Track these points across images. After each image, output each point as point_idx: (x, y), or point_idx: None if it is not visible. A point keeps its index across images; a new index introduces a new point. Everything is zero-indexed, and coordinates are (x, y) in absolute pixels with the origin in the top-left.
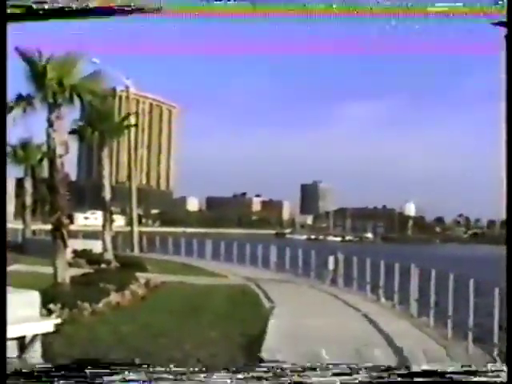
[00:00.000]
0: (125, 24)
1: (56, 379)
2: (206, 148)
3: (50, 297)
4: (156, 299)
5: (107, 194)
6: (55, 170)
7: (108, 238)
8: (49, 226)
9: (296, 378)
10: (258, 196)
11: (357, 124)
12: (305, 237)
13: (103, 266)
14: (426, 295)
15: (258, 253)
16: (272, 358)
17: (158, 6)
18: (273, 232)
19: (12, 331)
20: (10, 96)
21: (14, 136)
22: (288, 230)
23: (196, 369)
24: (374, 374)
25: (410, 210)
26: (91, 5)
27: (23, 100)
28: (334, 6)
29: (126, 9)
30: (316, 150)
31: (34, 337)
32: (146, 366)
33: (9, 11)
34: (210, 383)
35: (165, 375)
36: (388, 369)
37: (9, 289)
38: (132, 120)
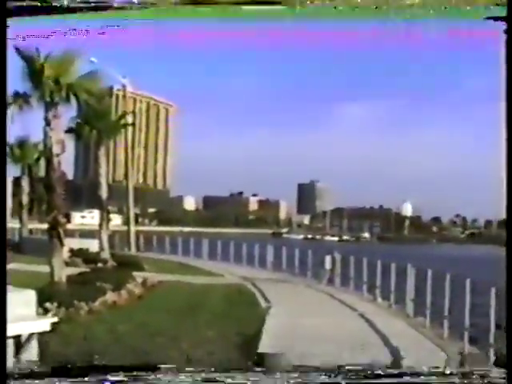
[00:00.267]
0: (122, 22)
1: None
2: (203, 147)
3: (47, 296)
4: (153, 298)
5: (104, 193)
6: (52, 168)
7: (105, 237)
8: (45, 225)
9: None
10: (254, 195)
11: (354, 124)
12: (302, 236)
13: (100, 265)
14: (422, 295)
15: (255, 252)
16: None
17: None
18: (270, 231)
19: (8, 330)
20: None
21: (10, 134)
22: (285, 230)
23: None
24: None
25: (407, 209)
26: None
27: (20, 98)
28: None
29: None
30: (313, 149)
31: (31, 336)
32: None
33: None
34: None
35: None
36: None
37: None
38: (129, 119)
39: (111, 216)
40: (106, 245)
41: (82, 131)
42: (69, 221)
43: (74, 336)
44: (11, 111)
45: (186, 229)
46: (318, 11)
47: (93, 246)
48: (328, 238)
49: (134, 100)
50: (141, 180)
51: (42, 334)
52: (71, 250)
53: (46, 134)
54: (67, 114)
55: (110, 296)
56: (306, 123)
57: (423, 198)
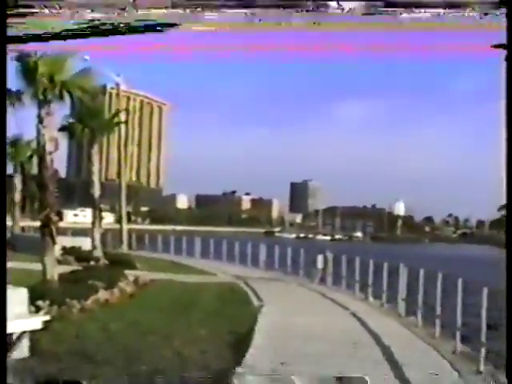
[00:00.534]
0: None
1: None
2: (196, 146)
3: (39, 294)
4: (145, 297)
5: (96, 191)
6: (45, 166)
7: (97, 236)
8: (38, 223)
9: None
10: (247, 194)
11: (347, 123)
12: (294, 235)
13: (92, 263)
14: (414, 294)
15: (248, 251)
16: (260, 357)
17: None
18: (262, 230)
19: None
20: None
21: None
22: (277, 229)
23: None
24: None
25: (400, 209)
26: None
27: (13, 95)
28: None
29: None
30: (306, 148)
31: (22, 333)
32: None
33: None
34: None
35: None
36: None
37: None
38: (122, 117)
39: (104, 214)
40: (98, 243)
41: (75, 129)
42: (61, 219)
43: (65, 334)
44: None
45: (179, 227)
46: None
47: (85, 244)
48: (320, 237)
49: (128, 98)
50: (134, 178)
51: (33, 332)
52: (63, 248)
53: (38, 132)
54: (60, 111)
55: (103, 294)
56: (298, 122)
57: (416, 198)
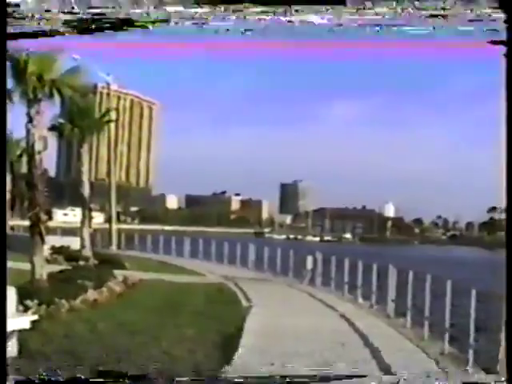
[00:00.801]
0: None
1: None
2: (186, 146)
3: (27, 293)
4: (133, 297)
5: (86, 191)
6: (34, 165)
7: (86, 235)
8: (27, 222)
9: None
10: (237, 195)
11: (337, 124)
12: (284, 236)
13: (81, 262)
14: (403, 296)
15: (237, 252)
16: (249, 357)
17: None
18: (252, 231)
19: None
20: None
21: None
22: (267, 230)
23: None
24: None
25: (389, 210)
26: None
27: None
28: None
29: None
30: (296, 149)
31: (10, 333)
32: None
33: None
34: None
35: None
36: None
37: None
38: (112, 116)
39: (93, 214)
40: (87, 243)
41: (64, 128)
42: (51, 218)
43: (54, 334)
44: None
45: (168, 227)
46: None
47: (74, 243)
48: (310, 238)
49: (118, 98)
50: (123, 178)
51: (21, 332)
52: (53, 248)
53: (28, 131)
54: (50, 110)
55: (91, 294)
56: (289, 123)
57: (405, 200)
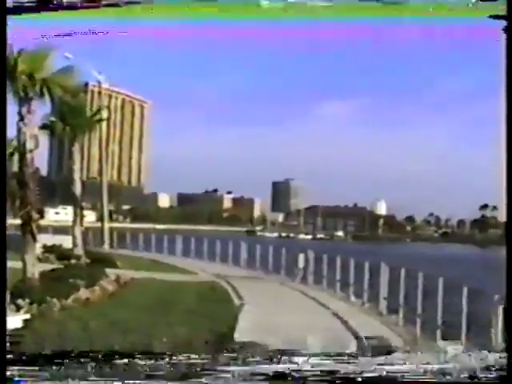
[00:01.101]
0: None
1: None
2: (178, 144)
3: (19, 292)
4: (125, 295)
5: (78, 190)
6: (25, 164)
7: (78, 234)
8: (18, 221)
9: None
10: (229, 193)
11: (329, 123)
12: (276, 234)
13: (73, 261)
14: (395, 293)
15: (229, 250)
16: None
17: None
18: (244, 229)
19: None
20: None
21: None
22: (259, 228)
23: None
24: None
25: (381, 208)
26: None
27: None
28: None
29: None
30: (288, 148)
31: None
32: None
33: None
34: None
35: None
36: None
37: None
38: (103, 115)
39: (85, 212)
40: (79, 241)
41: (56, 127)
42: (42, 217)
43: (45, 333)
44: None
45: (160, 226)
46: (295, 8)
47: (66, 242)
48: (302, 236)
49: (109, 96)
50: (115, 177)
51: (13, 331)
52: (44, 246)
53: (19, 130)
54: (41, 109)
55: (83, 293)
56: (281, 122)
57: (397, 197)
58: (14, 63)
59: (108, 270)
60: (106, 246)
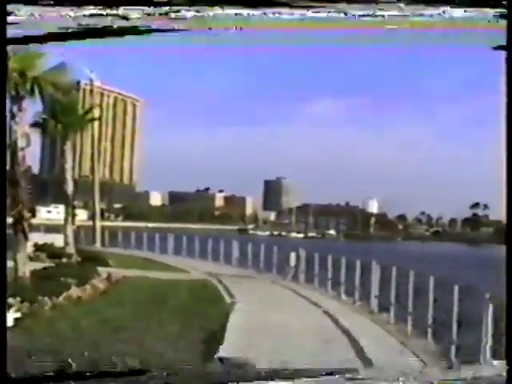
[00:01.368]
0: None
1: None
2: (170, 143)
3: (10, 291)
4: (117, 293)
5: (69, 188)
6: (17, 162)
7: (70, 232)
8: (10, 219)
9: None
10: (220, 191)
11: (321, 121)
12: (267, 233)
13: (64, 260)
14: (386, 291)
15: (221, 248)
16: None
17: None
18: (236, 228)
19: None
20: None
21: None
22: (251, 226)
23: None
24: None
25: (373, 207)
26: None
27: None
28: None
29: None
30: (280, 146)
31: None
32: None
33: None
34: None
35: None
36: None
37: None
38: (95, 113)
39: (77, 211)
40: (71, 240)
41: (47, 125)
42: (34, 215)
43: (37, 331)
44: None
45: (152, 224)
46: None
47: (58, 240)
48: (294, 234)
49: (101, 94)
50: (107, 175)
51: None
52: (36, 245)
53: (10, 128)
54: (33, 107)
55: (75, 291)
56: (273, 120)
57: (389, 196)
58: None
59: (100, 269)
60: (98, 245)
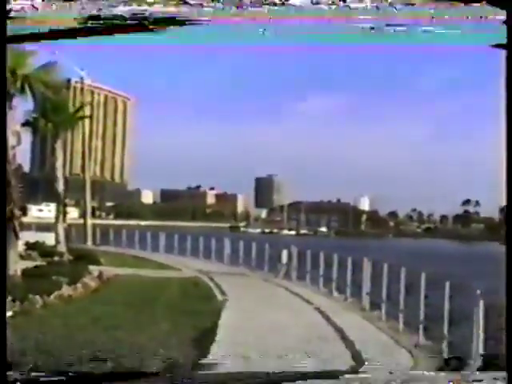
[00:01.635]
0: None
1: None
2: (161, 140)
3: None
4: (108, 292)
5: (60, 186)
6: (7, 161)
7: (61, 231)
8: None
9: None
10: (212, 189)
11: (312, 118)
12: (259, 230)
13: (56, 258)
14: (378, 288)
15: (212, 246)
16: (223, 353)
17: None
18: (227, 225)
19: None
20: None
21: None
22: (242, 224)
23: None
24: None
25: (364, 204)
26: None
27: None
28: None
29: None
30: (271, 143)
31: None
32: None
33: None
34: None
35: None
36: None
37: None
38: (86, 111)
39: (68, 209)
40: (62, 238)
41: (38, 124)
42: (25, 214)
43: (28, 330)
44: None
45: (144, 222)
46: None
47: (49, 239)
48: (285, 232)
49: (92, 92)
50: (98, 173)
51: None
52: (27, 243)
53: None
54: (24, 105)
55: (66, 290)
56: (264, 117)
57: (380, 193)
58: None
59: (91, 267)
60: (89, 243)
